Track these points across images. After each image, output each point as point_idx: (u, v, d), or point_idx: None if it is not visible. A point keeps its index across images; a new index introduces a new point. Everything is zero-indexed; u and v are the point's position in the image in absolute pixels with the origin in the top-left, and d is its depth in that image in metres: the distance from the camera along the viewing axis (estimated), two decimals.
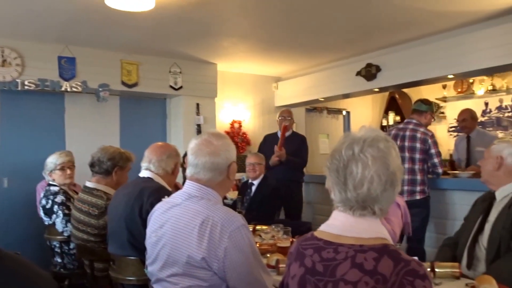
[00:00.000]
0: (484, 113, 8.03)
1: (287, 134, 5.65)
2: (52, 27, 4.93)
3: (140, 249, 2.51)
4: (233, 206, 4.30)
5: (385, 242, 1.33)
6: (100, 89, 5.82)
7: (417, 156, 4.47)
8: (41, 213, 3.82)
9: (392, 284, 1.24)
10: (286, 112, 5.82)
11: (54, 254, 3.67)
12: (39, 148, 5.51)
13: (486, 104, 7.99)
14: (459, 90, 8.20)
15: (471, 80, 7.86)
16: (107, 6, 3.91)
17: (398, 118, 8.95)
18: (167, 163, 2.80)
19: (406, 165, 4.45)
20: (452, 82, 7.89)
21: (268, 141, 5.78)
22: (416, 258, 1.34)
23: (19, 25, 4.85)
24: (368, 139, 1.40)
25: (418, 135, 4.49)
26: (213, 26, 5.03)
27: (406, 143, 4.51)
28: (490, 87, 7.71)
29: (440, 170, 4.51)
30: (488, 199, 2.67)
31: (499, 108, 7.83)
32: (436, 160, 4.46)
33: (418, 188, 4.45)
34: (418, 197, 4.44)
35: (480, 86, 7.87)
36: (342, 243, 1.35)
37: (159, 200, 2.17)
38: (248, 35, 5.46)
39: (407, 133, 4.55)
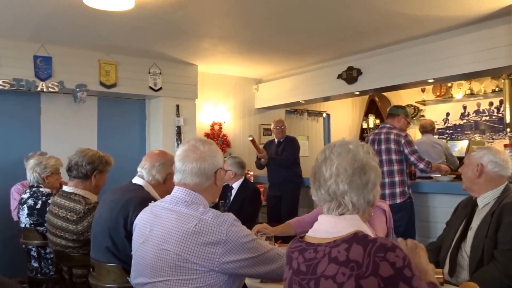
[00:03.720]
0: (462, 116, 8.16)
1: (281, 139, 6.13)
2: (27, 25, 4.80)
3: (120, 259, 2.47)
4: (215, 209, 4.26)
5: (355, 231, 1.41)
6: (78, 89, 5.70)
7: (394, 157, 4.53)
8: (22, 214, 3.67)
9: (366, 266, 1.30)
10: (279, 122, 6.25)
11: (31, 258, 3.55)
12: (14, 150, 5.37)
13: (465, 107, 8.12)
14: (437, 94, 8.31)
15: (449, 84, 7.97)
16: (85, 5, 3.82)
17: (378, 121, 9.00)
18: (158, 170, 2.71)
19: (385, 168, 4.51)
20: (431, 86, 7.98)
21: (266, 147, 6.26)
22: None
23: None
24: (338, 142, 1.57)
25: (392, 136, 4.59)
26: (193, 27, 4.97)
27: (382, 146, 4.59)
28: (468, 91, 7.83)
29: (421, 166, 4.55)
30: (470, 205, 2.66)
31: (477, 112, 7.96)
32: (412, 158, 4.52)
33: (398, 190, 4.49)
34: (398, 200, 4.47)
35: (458, 90, 7.99)
36: (321, 243, 1.45)
37: None
38: (228, 36, 5.41)
39: (382, 136, 4.66)
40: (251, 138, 5.95)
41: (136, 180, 2.76)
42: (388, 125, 4.73)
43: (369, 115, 9.08)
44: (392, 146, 4.54)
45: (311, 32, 5.24)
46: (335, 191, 1.48)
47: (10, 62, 5.31)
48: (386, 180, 4.48)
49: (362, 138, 9.27)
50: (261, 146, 6.30)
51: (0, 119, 5.52)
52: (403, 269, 1.32)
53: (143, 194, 2.63)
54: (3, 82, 5.21)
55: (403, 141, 4.54)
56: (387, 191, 4.47)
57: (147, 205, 2.18)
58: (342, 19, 4.80)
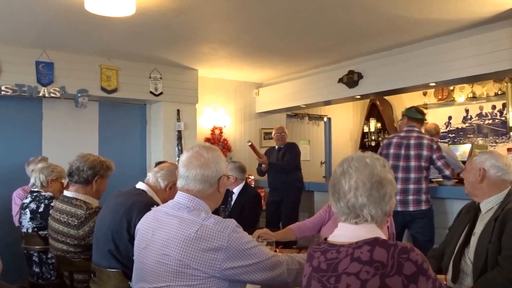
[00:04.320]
0: (465, 119, 8.14)
1: (280, 146, 6.12)
2: (29, 31, 4.82)
3: (122, 263, 2.46)
4: (215, 213, 4.25)
5: (376, 236, 1.53)
6: (79, 94, 5.71)
7: (423, 164, 4.36)
8: (25, 219, 3.68)
9: (391, 266, 1.43)
10: (279, 129, 6.21)
11: (32, 263, 3.55)
12: (16, 154, 5.39)
13: (467, 111, 8.10)
14: (439, 97, 8.30)
15: (451, 88, 7.96)
16: (87, 11, 3.83)
17: (379, 125, 9.00)
18: (162, 175, 2.78)
19: (412, 175, 4.34)
20: (432, 89, 7.96)
21: (268, 152, 6.27)
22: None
23: None
24: (355, 156, 1.66)
25: (425, 141, 4.39)
26: (193, 32, 4.98)
27: (412, 152, 4.38)
28: (471, 95, 7.82)
29: (447, 172, 4.41)
30: (472, 210, 2.63)
31: (480, 116, 7.94)
32: (439, 163, 4.36)
33: (423, 197, 4.34)
34: (424, 207, 4.33)
35: (461, 93, 7.98)
36: (344, 244, 1.56)
37: None
38: (228, 41, 5.42)
39: (412, 141, 4.43)
40: (250, 143, 5.94)
41: (140, 185, 2.79)
42: (416, 129, 4.53)
43: (370, 119, 9.08)
44: (425, 152, 4.35)
45: (311, 36, 5.25)
46: (354, 204, 1.58)
47: (12, 68, 5.33)
48: (411, 186, 4.33)
49: (363, 141, 9.28)
50: (263, 150, 6.31)
51: (2, 124, 5.54)
52: (423, 264, 1.47)
53: (146, 198, 2.66)
54: (5, 87, 5.23)
55: (435, 146, 4.38)
56: (411, 197, 4.31)
57: (150, 209, 2.19)
58: (342, 23, 4.80)
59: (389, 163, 4.43)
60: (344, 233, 1.61)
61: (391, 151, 4.46)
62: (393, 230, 3.16)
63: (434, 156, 4.36)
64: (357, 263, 1.47)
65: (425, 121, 4.67)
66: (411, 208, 4.27)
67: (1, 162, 5.44)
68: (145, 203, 2.53)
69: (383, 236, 1.57)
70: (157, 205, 2.50)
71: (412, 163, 4.35)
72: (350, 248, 1.52)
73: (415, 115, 4.64)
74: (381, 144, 4.59)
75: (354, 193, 1.57)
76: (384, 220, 1.63)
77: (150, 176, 2.80)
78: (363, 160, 1.63)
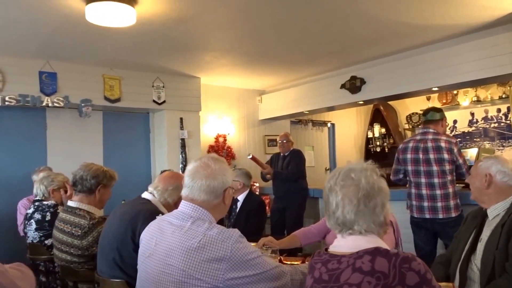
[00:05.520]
0: (470, 123, 8.10)
1: (285, 153, 6.07)
2: (32, 42, 4.85)
3: (126, 272, 2.45)
4: (220, 222, 4.24)
5: (377, 246, 1.51)
6: (83, 104, 5.74)
7: (447, 167, 4.11)
8: (30, 229, 3.67)
9: (393, 277, 1.42)
10: (283, 136, 6.15)
11: (38, 273, 3.54)
12: (21, 164, 5.40)
13: (472, 114, 8.07)
14: (443, 101, 8.28)
15: (455, 92, 7.93)
16: (88, 22, 3.85)
17: (383, 130, 8.97)
18: (170, 194, 2.75)
19: (436, 180, 4.11)
20: (436, 94, 7.95)
21: (273, 160, 6.25)
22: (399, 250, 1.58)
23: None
24: (342, 171, 1.64)
25: (443, 144, 4.14)
26: (195, 41, 4.99)
27: (431, 155, 4.15)
28: (475, 98, 7.79)
29: (467, 178, 4.24)
30: (479, 216, 2.59)
31: (485, 119, 7.90)
32: (464, 169, 4.13)
33: (452, 203, 4.08)
34: (453, 214, 4.07)
35: (465, 97, 7.96)
36: (345, 254, 1.55)
37: None
38: (230, 49, 5.43)
39: (429, 144, 4.19)
40: (250, 156, 5.91)
41: (145, 195, 2.79)
42: (432, 130, 4.25)
43: (374, 124, 9.05)
44: (445, 156, 4.10)
45: (313, 42, 5.25)
46: (344, 222, 1.58)
47: (16, 78, 5.36)
48: (438, 192, 4.09)
49: (367, 147, 9.26)
50: (267, 157, 6.30)
51: (7, 135, 5.56)
52: (426, 274, 1.46)
53: (152, 208, 2.65)
54: (9, 98, 5.26)
55: (455, 149, 4.13)
56: (439, 204, 4.08)
57: (155, 218, 2.19)
58: (343, 29, 4.81)
59: (408, 168, 4.20)
60: (345, 243, 1.60)
61: (409, 156, 4.27)
62: (400, 236, 3.13)
63: (461, 161, 4.12)
64: (358, 274, 1.46)
65: (445, 118, 4.38)
66: (440, 216, 4.05)
67: (6, 172, 5.46)
68: (151, 212, 2.53)
69: (384, 245, 1.55)
70: (162, 214, 2.51)
71: (434, 168, 4.12)
72: (351, 258, 1.51)
73: (430, 116, 4.35)
74: (398, 148, 4.43)
75: (342, 210, 1.57)
76: (382, 229, 1.62)
77: (155, 193, 2.76)
78: (349, 175, 1.61)
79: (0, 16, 4.04)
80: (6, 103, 5.25)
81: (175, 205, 2.74)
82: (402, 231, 3.30)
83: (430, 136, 4.23)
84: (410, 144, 4.31)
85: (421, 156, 4.19)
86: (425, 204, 4.13)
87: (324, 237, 3.40)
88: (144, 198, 2.76)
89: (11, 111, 5.47)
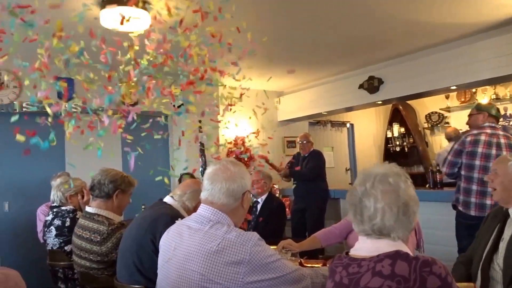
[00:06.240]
0: None
1: (305, 154, 6.08)
2: (48, 48, 4.87)
3: (146, 276, 2.45)
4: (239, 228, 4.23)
5: (397, 249, 1.50)
6: (100, 109, 5.75)
7: None
8: (50, 236, 3.69)
9: (414, 281, 1.40)
10: (302, 137, 6.17)
11: (58, 279, 3.56)
12: (39, 171, 5.45)
13: None
14: (462, 99, 8.16)
15: (473, 90, 7.81)
16: (102, 26, 3.87)
17: (402, 129, 8.88)
18: (188, 198, 2.77)
19: None
20: (455, 92, 7.84)
21: (295, 157, 6.29)
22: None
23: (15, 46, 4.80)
24: (378, 175, 1.58)
25: None
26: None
27: (504, 152, 3.95)
28: (494, 96, 7.66)
29: None
30: (500, 216, 2.53)
31: (504, 117, 7.76)
32: None
33: None
34: None
35: (483, 95, 7.84)
36: (365, 258, 1.53)
37: None
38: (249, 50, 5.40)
39: (502, 140, 4.00)
40: (258, 153, 5.95)
41: (166, 199, 2.80)
42: (498, 126, 4.10)
43: (394, 123, 8.97)
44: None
45: (330, 43, 5.22)
46: (381, 229, 1.54)
47: (33, 84, 5.40)
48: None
49: (387, 147, 9.16)
50: (287, 158, 6.27)
51: (25, 141, 5.61)
52: (447, 277, 1.44)
53: (173, 212, 2.66)
54: (27, 104, 5.31)
55: None
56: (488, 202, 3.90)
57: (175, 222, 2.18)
58: (360, 30, 4.77)
59: (476, 162, 3.93)
60: (365, 246, 1.58)
61: (479, 149, 3.98)
62: (422, 236, 3.07)
63: None
64: (378, 278, 1.44)
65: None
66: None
67: (25, 178, 5.52)
68: (172, 216, 2.53)
69: (405, 248, 1.53)
70: (182, 218, 2.49)
71: None
72: (371, 262, 1.49)
73: (497, 113, 4.18)
74: (462, 140, 4.10)
75: (381, 218, 1.53)
76: (409, 234, 1.60)
77: (175, 202, 2.78)
78: (387, 180, 1.57)
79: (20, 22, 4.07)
80: (24, 109, 5.30)
81: (195, 209, 2.72)
82: (424, 231, 3.24)
83: (500, 132, 4.05)
84: (482, 138, 4.02)
85: (493, 151, 3.95)
86: (488, 202, 3.90)
87: (345, 237, 3.35)
88: (165, 202, 2.77)
89: (28, 117, 5.52)
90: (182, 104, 6.37)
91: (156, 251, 2.38)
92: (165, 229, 2.21)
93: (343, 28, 4.69)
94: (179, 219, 2.21)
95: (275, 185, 6.72)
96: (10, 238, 5.33)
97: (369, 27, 4.70)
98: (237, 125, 6.88)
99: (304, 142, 6.05)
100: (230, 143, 7.29)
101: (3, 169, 5.46)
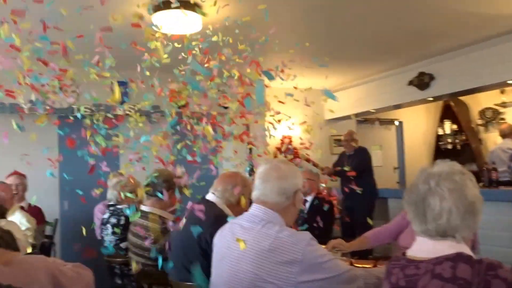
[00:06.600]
0: None
1: (350, 152, 6.06)
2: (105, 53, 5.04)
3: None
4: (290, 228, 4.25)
5: (458, 251, 1.42)
6: (152, 111, 5.91)
7: None
8: (107, 234, 3.84)
9: (477, 284, 1.33)
10: (347, 135, 6.15)
11: (114, 275, 3.68)
12: (96, 171, 5.64)
13: None
14: None
15: None
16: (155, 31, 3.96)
17: (455, 126, 8.65)
18: (231, 193, 2.75)
19: None
20: (511, 87, 7.54)
21: (340, 157, 6.28)
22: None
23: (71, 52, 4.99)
24: (443, 173, 1.50)
25: None
26: (257, 45, 5.01)
27: None
28: None
29: None
30: None
31: None
32: None
33: None
34: None
35: None
36: (423, 260, 1.46)
37: (218, 230, 2.17)
38: (295, 50, 5.40)
39: None
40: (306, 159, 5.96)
41: (209, 196, 2.80)
42: None
43: (445, 120, 8.75)
44: None
45: (378, 39, 5.15)
46: (446, 229, 1.47)
47: (90, 88, 5.61)
48: None
49: (437, 145, 8.94)
50: (334, 158, 6.23)
51: (83, 143, 5.83)
52: None
53: (217, 211, 2.66)
54: (85, 108, 5.51)
55: None
56: None
57: (221, 221, 2.21)
58: (410, 24, 4.68)
59: None
60: (425, 247, 1.51)
61: None
62: (477, 237, 2.99)
63: None
64: (438, 281, 1.37)
65: None
66: None
67: (83, 177, 5.73)
68: (216, 215, 2.55)
69: (467, 250, 1.47)
70: (226, 216, 2.53)
71: None
72: (430, 264, 1.43)
73: None
74: None
75: (448, 217, 1.46)
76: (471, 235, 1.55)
77: (218, 199, 2.76)
78: (452, 178, 1.49)
79: (67, 29, 4.23)
80: (82, 112, 5.51)
81: (238, 204, 2.75)
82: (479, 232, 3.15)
83: None
84: None
85: None
86: None
87: (395, 238, 3.30)
88: (208, 201, 2.77)
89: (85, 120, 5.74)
90: (228, 107, 6.46)
91: (203, 253, 2.43)
92: (209, 230, 2.25)
93: (392, 23, 4.61)
94: (229, 217, 2.24)
95: (322, 184, 6.69)
96: (69, 235, 5.57)
97: (420, 20, 4.59)
98: (279, 122, 6.92)
99: (348, 140, 6.02)
100: (281, 142, 7.31)
101: (64, 169, 5.70)
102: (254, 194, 2.02)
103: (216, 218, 2.50)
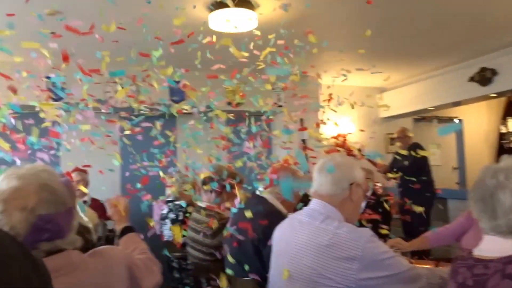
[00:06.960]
0: None
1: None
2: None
3: (249, 272, 2.49)
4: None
5: None
6: (208, 110, 6.00)
7: None
8: (166, 228, 3.95)
9: None
10: (399, 132, 6.09)
11: (173, 269, 3.77)
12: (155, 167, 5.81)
13: None
14: None
15: None
16: (211, 29, 4.03)
17: None
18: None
19: None
20: None
21: (395, 158, 6.14)
22: None
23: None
24: (509, 165, 1.46)
25: None
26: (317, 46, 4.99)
27: None
28: None
29: None
30: None
31: None
32: None
33: None
34: None
35: None
36: (492, 259, 1.41)
37: (270, 227, 2.18)
38: (348, 47, 5.34)
39: None
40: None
41: (260, 191, 2.79)
42: None
43: (508, 118, 8.38)
44: None
45: (436, 34, 5.00)
46: None
47: (150, 88, 5.77)
48: None
49: (500, 143, 8.58)
50: (389, 156, 6.13)
51: (141, 141, 6.01)
52: None
53: (267, 207, 2.64)
54: (144, 107, 5.67)
55: None
56: None
57: (272, 217, 2.21)
58: (471, 16, 4.51)
59: None
60: (494, 246, 1.46)
61: None
62: None
63: None
64: (509, 281, 1.32)
65: None
66: None
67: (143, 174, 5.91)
68: (266, 212, 2.54)
69: None
70: (278, 212, 2.53)
71: None
72: (500, 263, 1.38)
73: None
74: None
75: None
76: None
77: (269, 194, 2.72)
78: None
79: (118, 36, 4.37)
80: (141, 111, 5.67)
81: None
82: None
83: None
84: None
85: None
86: None
87: (457, 239, 3.20)
88: (259, 196, 2.75)
89: (145, 120, 5.91)
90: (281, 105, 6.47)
91: (255, 250, 2.44)
92: (261, 227, 2.25)
93: (451, 15, 4.46)
94: (285, 214, 2.24)
95: (377, 184, 6.58)
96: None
97: (482, 13, 4.42)
98: (336, 124, 6.85)
99: (401, 137, 5.93)
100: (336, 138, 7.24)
101: (124, 168, 5.90)
102: (312, 188, 2.00)
103: (267, 214, 2.51)
